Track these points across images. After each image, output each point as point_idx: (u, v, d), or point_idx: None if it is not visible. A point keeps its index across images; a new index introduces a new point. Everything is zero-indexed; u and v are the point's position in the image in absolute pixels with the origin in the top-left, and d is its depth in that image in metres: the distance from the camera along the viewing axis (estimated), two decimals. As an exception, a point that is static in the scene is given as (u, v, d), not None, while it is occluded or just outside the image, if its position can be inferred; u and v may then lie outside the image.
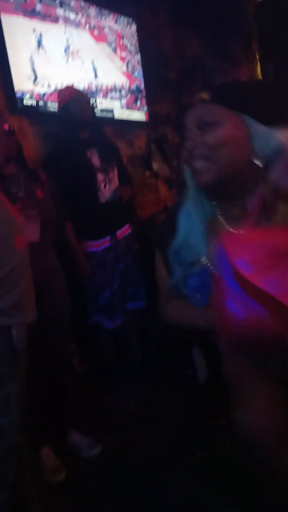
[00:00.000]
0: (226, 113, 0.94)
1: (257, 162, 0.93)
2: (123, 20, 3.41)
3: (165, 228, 1.14)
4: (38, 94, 2.58)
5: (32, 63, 2.58)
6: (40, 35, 2.66)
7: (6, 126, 1.71)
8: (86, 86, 2.95)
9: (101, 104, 3.11)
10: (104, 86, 3.16)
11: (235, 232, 0.74)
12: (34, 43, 2.62)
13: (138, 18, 3.51)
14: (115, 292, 2.41)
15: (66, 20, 2.89)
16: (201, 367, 2.39)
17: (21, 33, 2.53)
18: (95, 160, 2.41)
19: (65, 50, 2.87)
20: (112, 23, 3.31)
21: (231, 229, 0.98)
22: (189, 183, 1.04)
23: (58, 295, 1.97)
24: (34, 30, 2.62)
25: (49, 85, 2.66)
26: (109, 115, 3.18)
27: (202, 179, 0.97)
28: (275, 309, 0.69)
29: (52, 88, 2.67)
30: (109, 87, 3.22)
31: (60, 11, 2.83)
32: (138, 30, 3.51)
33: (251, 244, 0.72)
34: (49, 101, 2.64)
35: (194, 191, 1.04)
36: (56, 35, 2.79)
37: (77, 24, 2.99)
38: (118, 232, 2.47)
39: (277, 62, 4.32)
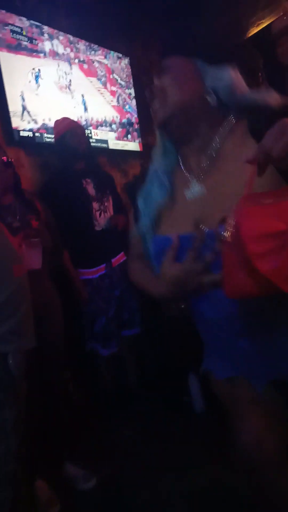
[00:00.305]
0: (179, 59, 1.03)
1: (210, 98, 0.99)
2: (113, 55, 3.50)
3: (137, 181, 1.22)
4: (23, 130, 2.61)
5: (22, 98, 2.61)
6: (39, 71, 2.74)
7: (5, 158, 1.76)
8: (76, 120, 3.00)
9: (96, 135, 3.18)
10: (94, 120, 3.20)
11: (249, 206, 0.78)
12: (23, 77, 2.65)
13: (130, 53, 3.65)
14: (110, 319, 2.42)
15: (55, 54, 2.94)
16: (197, 394, 2.38)
17: (10, 67, 2.56)
18: (91, 190, 2.46)
19: (55, 85, 2.90)
20: (101, 58, 3.39)
21: (187, 175, 1.04)
22: (157, 133, 1.11)
23: (53, 322, 1.98)
24: (25, 65, 2.66)
25: (35, 121, 2.68)
26: (103, 145, 3.26)
27: (157, 117, 1.03)
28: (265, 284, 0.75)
29: (40, 124, 2.70)
30: (99, 121, 3.27)
31: (48, 46, 2.88)
32: (131, 64, 3.65)
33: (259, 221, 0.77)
34: (44, 134, 2.70)
35: (160, 139, 1.11)
36: (45, 69, 2.82)
37: (66, 59, 3.03)
38: (113, 260, 2.50)
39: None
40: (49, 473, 1.94)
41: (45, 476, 1.91)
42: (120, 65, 3.58)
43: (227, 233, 0.79)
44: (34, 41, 2.77)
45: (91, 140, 2.93)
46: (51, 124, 2.67)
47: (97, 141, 3.18)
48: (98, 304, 2.41)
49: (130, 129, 3.57)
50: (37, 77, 2.74)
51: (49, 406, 1.98)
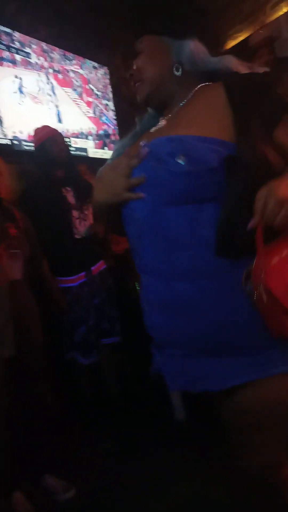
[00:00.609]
0: (150, 39, 1.11)
1: (176, 70, 1.08)
2: (89, 64, 3.49)
3: None
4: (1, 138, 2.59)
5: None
6: (21, 79, 2.70)
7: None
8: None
9: (76, 143, 3.18)
10: (70, 132, 3.17)
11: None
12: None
13: (108, 63, 3.67)
14: (90, 327, 2.40)
15: (27, 63, 2.88)
16: (178, 403, 2.38)
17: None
18: (70, 198, 2.46)
19: (27, 95, 2.86)
20: (77, 68, 3.36)
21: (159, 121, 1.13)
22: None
23: (32, 332, 1.96)
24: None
25: (5, 135, 2.66)
26: (83, 153, 3.26)
27: (139, 98, 1.14)
28: None
29: (10, 136, 2.68)
30: (75, 133, 3.23)
31: (20, 54, 2.82)
32: (110, 75, 3.67)
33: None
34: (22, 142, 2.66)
35: (149, 112, 1.22)
36: (17, 79, 2.78)
37: (40, 68, 2.99)
38: (93, 268, 2.49)
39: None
40: (27, 484, 1.90)
41: (23, 488, 1.87)
42: (96, 75, 3.57)
43: (258, 293, 0.83)
44: (11, 49, 2.75)
45: (70, 149, 2.93)
46: (22, 136, 2.65)
47: (77, 149, 3.18)
48: (77, 313, 2.39)
49: (107, 141, 3.56)
50: (20, 87, 2.71)
51: (28, 416, 1.96)
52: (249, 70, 1.04)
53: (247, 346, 0.94)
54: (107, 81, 3.70)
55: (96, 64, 3.57)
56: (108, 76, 3.71)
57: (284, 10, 3.91)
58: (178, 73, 1.08)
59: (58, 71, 3.17)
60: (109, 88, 3.73)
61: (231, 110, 0.93)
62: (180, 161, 0.89)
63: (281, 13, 3.94)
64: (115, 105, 3.73)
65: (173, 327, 1.01)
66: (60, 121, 3.10)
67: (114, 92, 3.74)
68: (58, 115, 3.11)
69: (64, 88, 3.22)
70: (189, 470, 1.90)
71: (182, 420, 2.32)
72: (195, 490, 1.77)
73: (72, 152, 2.89)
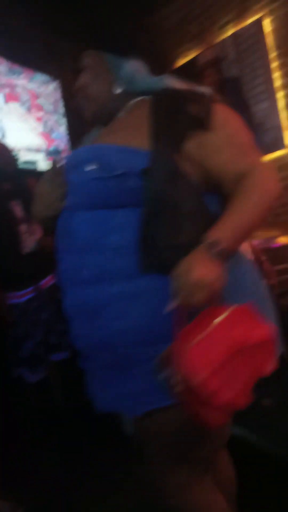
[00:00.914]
0: (93, 54, 1.13)
1: (119, 87, 1.11)
2: (39, 78, 3.42)
3: None
4: None
5: None
6: None
7: None
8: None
9: (24, 156, 3.14)
10: (15, 148, 3.02)
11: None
12: None
13: (61, 77, 3.65)
14: (38, 343, 2.36)
15: None
16: (126, 419, 2.36)
17: None
18: (18, 211, 2.42)
19: None
20: (25, 82, 3.29)
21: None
22: None
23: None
24: None
25: None
26: (32, 167, 3.22)
27: (85, 116, 1.15)
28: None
29: None
30: (21, 149, 3.15)
31: None
32: (63, 89, 3.65)
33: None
34: None
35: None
36: None
37: None
38: (42, 283, 2.46)
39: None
40: None
41: None
42: (47, 89, 3.51)
43: (177, 382, 0.78)
44: None
45: (19, 162, 2.90)
46: None
47: (26, 162, 3.15)
48: (25, 328, 2.35)
49: (59, 158, 3.52)
50: None
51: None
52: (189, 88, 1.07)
53: (147, 363, 0.91)
54: (59, 95, 3.68)
55: (46, 78, 3.53)
56: (59, 90, 3.69)
57: (231, 31, 4.07)
58: (118, 91, 1.11)
59: (4, 85, 3.10)
60: (61, 103, 3.70)
61: (149, 122, 0.98)
62: (91, 168, 0.94)
63: (228, 34, 4.10)
64: (67, 120, 3.71)
65: (83, 335, 1.00)
66: (3, 136, 3.02)
67: (66, 106, 3.72)
68: (1, 130, 3.02)
69: (9, 103, 3.14)
70: (136, 481, 1.89)
71: (130, 434, 2.32)
72: (141, 501, 1.76)
73: (20, 166, 2.86)
